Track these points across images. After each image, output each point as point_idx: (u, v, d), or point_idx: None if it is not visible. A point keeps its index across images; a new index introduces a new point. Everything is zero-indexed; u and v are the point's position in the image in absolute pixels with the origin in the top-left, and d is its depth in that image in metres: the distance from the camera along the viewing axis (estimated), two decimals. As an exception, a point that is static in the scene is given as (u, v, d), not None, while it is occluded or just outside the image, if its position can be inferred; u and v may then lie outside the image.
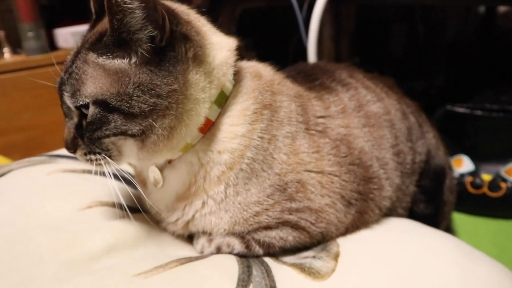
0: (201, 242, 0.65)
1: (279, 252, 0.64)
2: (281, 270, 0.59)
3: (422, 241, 0.66)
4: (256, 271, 0.58)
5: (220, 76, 0.60)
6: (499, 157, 1.11)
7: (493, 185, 1.10)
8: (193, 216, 0.63)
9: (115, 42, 0.53)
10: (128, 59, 0.53)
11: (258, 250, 0.63)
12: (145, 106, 0.53)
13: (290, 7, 1.34)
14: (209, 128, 0.61)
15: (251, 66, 0.68)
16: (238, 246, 0.63)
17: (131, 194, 0.71)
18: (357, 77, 0.82)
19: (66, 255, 0.59)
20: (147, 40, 0.53)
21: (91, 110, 0.54)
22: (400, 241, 0.65)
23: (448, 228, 1.00)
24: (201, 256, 0.62)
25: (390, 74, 0.93)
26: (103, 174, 0.59)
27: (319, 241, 0.66)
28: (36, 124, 1.47)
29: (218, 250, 0.64)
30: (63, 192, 0.73)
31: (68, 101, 0.55)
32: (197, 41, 0.57)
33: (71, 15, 1.69)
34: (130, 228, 0.65)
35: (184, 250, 0.67)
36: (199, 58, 0.57)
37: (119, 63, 0.53)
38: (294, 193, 0.62)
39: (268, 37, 1.88)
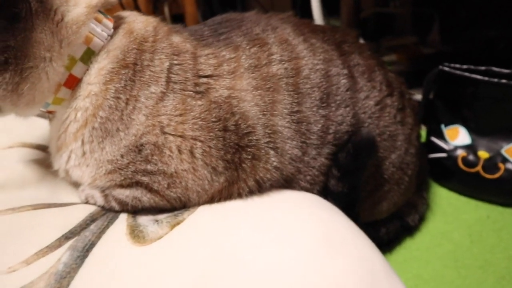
0: (78, 190, 0.70)
1: (132, 210, 0.65)
2: (117, 228, 0.61)
3: (284, 222, 0.60)
4: (95, 226, 0.61)
5: (70, 35, 0.59)
6: (503, 133, 0.91)
7: (490, 164, 0.92)
8: (65, 167, 0.66)
9: None
10: None
11: (115, 205, 0.66)
12: None
13: None
14: (75, 85, 0.62)
15: (129, 22, 0.66)
16: (99, 199, 0.66)
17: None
18: (281, 32, 0.73)
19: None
20: None
21: None
22: (258, 217, 0.61)
23: (400, 210, 0.89)
24: (65, 204, 0.66)
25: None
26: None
27: (180, 206, 0.65)
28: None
29: (87, 200, 0.68)
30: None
31: None
32: None
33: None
34: (27, 170, 0.72)
35: (72, 196, 0.72)
36: (41, 15, 0.57)
37: None
38: (149, 156, 0.62)
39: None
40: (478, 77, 0.89)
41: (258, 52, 0.68)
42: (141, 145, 0.61)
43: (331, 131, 0.70)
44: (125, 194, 0.64)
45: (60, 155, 0.66)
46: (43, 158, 0.77)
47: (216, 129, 0.63)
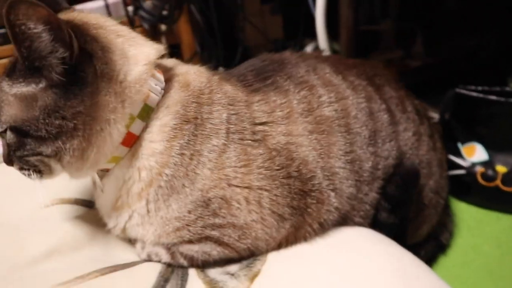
0: (137, 247, 0.69)
1: (202, 265, 0.65)
2: (195, 285, 0.60)
3: (360, 264, 0.62)
4: (170, 285, 0.60)
5: (133, 95, 0.58)
6: (518, 148, 0.97)
7: (509, 178, 0.97)
8: (125, 226, 0.65)
9: (27, 68, 0.54)
10: (37, 84, 0.54)
11: (183, 262, 0.65)
12: (51, 128, 0.54)
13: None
14: (134, 143, 0.61)
15: (183, 74, 0.66)
16: (164, 256, 0.65)
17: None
18: (321, 72, 0.75)
19: (13, 258, 0.65)
20: (59, 63, 0.52)
21: (9, 135, 0.56)
22: (331, 260, 0.62)
23: (442, 229, 0.93)
24: (130, 265, 0.65)
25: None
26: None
27: (248, 255, 0.65)
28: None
29: (149, 258, 0.67)
30: (27, 190, 0.78)
31: None
32: (102, 58, 0.56)
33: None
34: (77, 230, 0.70)
35: (127, 252, 0.70)
36: (106, 77, 0.56)
37: (29, 89, 0.54)
38: (217, 209, 0.62)
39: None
40: (493, 97, 0.95)
41: (308, 96, 0.70)
42: (209, 199, 0.61)
43: (380, 166, 0.73)
44: (194, 249, 0.64)
45: (120, 214, 0.64)
46: (85, 213, 0.75)
47: (281, 177, 0.64)
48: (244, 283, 0.59)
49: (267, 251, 0.65)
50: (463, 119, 1.02)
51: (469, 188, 1.03)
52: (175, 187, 0.60)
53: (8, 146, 0.58)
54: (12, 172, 0.83)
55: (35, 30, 0.49)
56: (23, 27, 0.49)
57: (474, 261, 0.92)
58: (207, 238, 0.63)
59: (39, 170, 0.60)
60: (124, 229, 0.66)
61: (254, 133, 0.65)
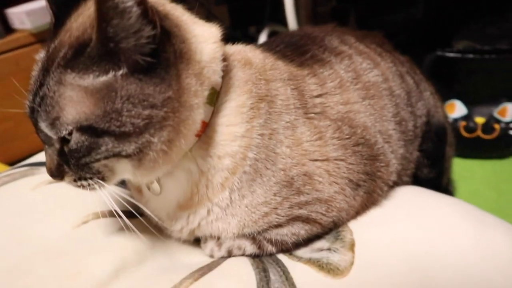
0: (210, 246, 0.63)
1: (292, 248, 0.62)
2: (298, 269, 0.57)
3: (433, 214, 0.64)
4: (273, 275, 0.56)
5: (210, 75, 0.53)
6: (492, 99, 1.09)
7: (487, 127, 1.09)
8: (199, 223, 0.59)
9: (102, 54, 0.45)
10: (114, 72, 0.46)
11: (271, 249, 0.61)
12: (138, 120, 0.46)
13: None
14: (204, 130, 0.55)
15: (238, 52, 0.62)
16: (249, 247, 0.61)
17: (123, 197, 0.67)
18: (349, 42, 0.76)
19: (72, 285, 0.55)
20: (146, 43, 0.45)
21: (76, 138, 0.47)
22: (410, 218, 0.64)
23: (449, 181, 1.01)
24: (213, 264, 0.60)
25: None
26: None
27: (331, 229, 0.64)
28: (5, 116, 1.36)
29: (229, 253, 0.62)
30: (54, 209, 0.68)
31: (47, 131, 0.48)
32: (179, 36, 0.50)
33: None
34: (133, 242, 0.62)
35: (192, 255, 0.64)
36: (185, 57, 0.50)
37: (106, 78, 0.46)
38: (301, 187, 0.59)
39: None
40: (470, 55, 1.06)
41: (351, 64, 0.70)
42: (291, 178, 0.59)
43: (418, 125, 0.76)
44: (282, 233, 0.60)
45: (193, 212, 0.58)
46: (124, 224, 0.67)
47: (351, 145, 0.63)
48: (347, 254, 0.58)
49: (347, 221, 0.65)
50: (443, 79, 1.12)
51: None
52: (258, 170, 0.57)
53: (69, 154, 0.49)
54: (27, 189, 0.72)
55: (127, 4, 0.42)
56: (115, 1, 0.42)
57: (479, 204, 1.01)
58: (295, 218, 0.60)
59: (102, 176, 0.52)
60: (195, 229, 0.60)
61: (314, 106, 0.63)
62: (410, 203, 0.68)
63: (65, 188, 0.72)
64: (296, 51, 0.71)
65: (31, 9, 1.43)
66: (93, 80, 0.46)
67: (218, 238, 0.62)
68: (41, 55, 0.52)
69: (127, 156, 0.49)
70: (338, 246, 0.60)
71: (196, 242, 0.66)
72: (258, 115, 0.57)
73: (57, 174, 0.52)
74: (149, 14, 0.45)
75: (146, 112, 0.46)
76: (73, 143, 0.48)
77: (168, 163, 0.53)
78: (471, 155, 1.16)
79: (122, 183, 0.75)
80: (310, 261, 0.58)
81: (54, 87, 0.47)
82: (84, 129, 0.46)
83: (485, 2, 1.50)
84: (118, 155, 0.48)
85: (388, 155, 0.68)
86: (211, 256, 0.63)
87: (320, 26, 0.81)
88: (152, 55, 0.46)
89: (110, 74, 0.46)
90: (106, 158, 0.49)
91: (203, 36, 0.54)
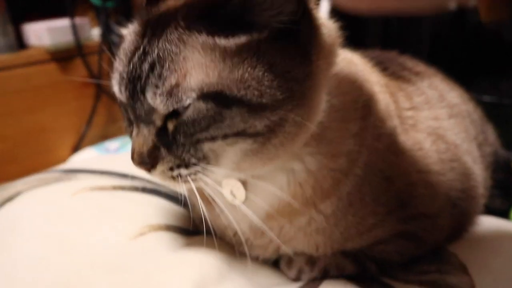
0: (298, 265, 0.53)
1: (396, 267, 0.54)
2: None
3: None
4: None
5: (332, 63, 0.48)
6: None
7: None
8: (294, 236, 0.51)
9: (241, 14, 0.40)
10: (256, 34, 0.40)
11: (374, 268, 0.53)
12: (278, 93, 0.40)
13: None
14: None
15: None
16: (349, 266, 0.52)
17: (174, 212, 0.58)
18: (421, 65, 0.74)
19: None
20: (289, 12, 0.40)
21: (197, 107, 0.39)
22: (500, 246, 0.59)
23: None
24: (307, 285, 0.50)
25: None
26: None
27: (430, 250, 0.57)
28: (4, 135, 1.24)
29: (325, 274, 0.52)
30: (102, 217, 0.58)
31: (158, 102, 0.40)
32: (314, 19, 0.45)
33: (43, 8, 1.44)
34: (208, 259, 0.52)
35: (272, 277, 0.55)
36: (317, 40, 0.45)
37: (243, 40, 0.40)
38: (407, 199, 0.53)
39: None
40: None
41: (432, 83, 0.68)
42: (398, 188, 0.52)
43: (491, 152, 0.74)
44: (387, 250, 0.53)
45: (289, 221, 0.50)
46: (192, 239, 0.58)
47: (448, 160, 0.59)
48: (464, 277, 0.51)
49: (442, 242, 0.58)
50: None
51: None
52: (368, 175, 0.50)
53: (179, 130, 0.41)
54: (67, 195, 0.61)
55: None
56: None
57: None
58: (401, 235, 0.53)
59: (207, 164, 0.43)
60: (285, 244, 0.51)
61: (408, 117, 0.59)
62: (491, 230, 0.63)
63: (110, 197, 0.63)
64: (378, 65, 0.67)
65: (53, 26, 1.40)
66: (230, 41, 0.40)
67: (310, 257, 0.53)
68: (132, 27, 0.46)
69: (253, 135, 0.41)
70: (450, 268, 0.53)
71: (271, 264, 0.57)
72: (369, 114, 0.51)
73: (149, 160, 0.42)
74: None
75: (288, 85, 0.40)
76: (191, 114, 0.40)
77: (284, 156, 0.45)
78: None
79: (174, 199, 0.66)
80: (423, 284, 0.50)
81: (174, 49, 0.40)
82: (212, 96, 0.39)
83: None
84: (242, 133, 0.40)
85: (478, 176, 0.64)
86: (297, 278, 0.53)
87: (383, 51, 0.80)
88: (293, 24, 0.41)
89: (251, 37, 0.40)
90: (225, 137, 0.41)
91: (328, 27, 0.49)
